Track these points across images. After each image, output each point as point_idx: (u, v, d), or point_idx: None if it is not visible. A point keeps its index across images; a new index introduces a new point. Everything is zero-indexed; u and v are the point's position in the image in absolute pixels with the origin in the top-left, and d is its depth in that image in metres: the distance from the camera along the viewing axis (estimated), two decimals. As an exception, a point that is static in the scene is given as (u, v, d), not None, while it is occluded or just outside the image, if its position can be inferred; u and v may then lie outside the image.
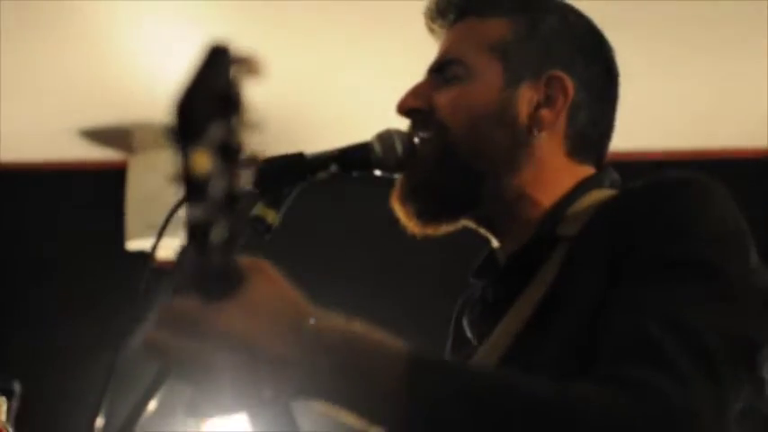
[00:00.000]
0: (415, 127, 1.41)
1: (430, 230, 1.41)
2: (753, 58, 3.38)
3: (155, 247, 1.43)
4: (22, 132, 3.95)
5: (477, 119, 1.38)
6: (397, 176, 1.42)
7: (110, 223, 4.06)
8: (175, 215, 1.37)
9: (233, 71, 0.86)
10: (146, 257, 1.44)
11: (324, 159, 1.38)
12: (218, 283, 0.91)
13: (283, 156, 1.38)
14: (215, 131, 0.84)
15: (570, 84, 1.39)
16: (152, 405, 1.43)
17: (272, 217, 1.33)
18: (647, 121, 3.56)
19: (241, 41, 0.88)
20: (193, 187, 0.84)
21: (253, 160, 0.87)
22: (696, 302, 1.12)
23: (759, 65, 3.41)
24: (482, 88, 1.39)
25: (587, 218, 1.30)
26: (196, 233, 0.86)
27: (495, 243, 1.43)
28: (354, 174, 1.40)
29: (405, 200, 1.40)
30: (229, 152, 0.85)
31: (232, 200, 0.86)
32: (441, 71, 1.43)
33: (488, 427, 0.99)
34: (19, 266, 4.20)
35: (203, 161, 0.83)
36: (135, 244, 3.93)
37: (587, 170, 1.42)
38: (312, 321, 0.95)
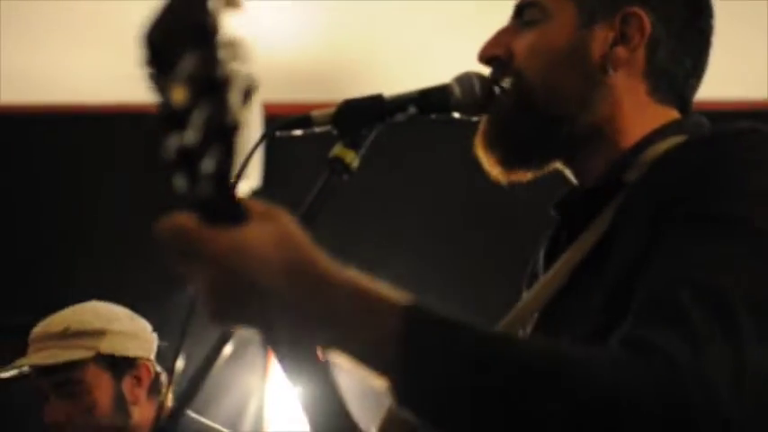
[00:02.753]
0: (494, 75, 1.40)
1: (515, 177, 1.41)
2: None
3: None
4: (94, 76, 3.99)
5: (550, 62, 1.37)
6: (476, 119, 1.41)
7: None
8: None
9: (209, 2, 0.85)
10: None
11: (402, 101, 1.37)
12: (215, 213, 0.93)
13: (362, 97, 1.38)
14: (190, 61, 0.84)
15: (647, 19, 1.36)
16: (227, 350, 1.44)
17: (351, 157, 1.33)
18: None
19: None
20: (171, 117, 0.85)
21: (246, 90, 0.88)
22: (728, 263, 1.09)
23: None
24: (556, 30, 1.37)
25: (650, 164, 1.28)
26: (181, 162, 0.88)
27: (575, 181, 1.42)
28: (433, 116, 1.40)
29: (488, 147, 1.39)
30: (212, 82, 0.84)
31: (220, 128, 0.86)
32: (520, 15, 1.42)
33: (483, 388, 1.00)
34: (83, 201, 4.26)
35: (179, 92, 0.83)
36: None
37: (671, 113, 1.39)
38: (310, 266, 0.96)
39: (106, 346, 2.35)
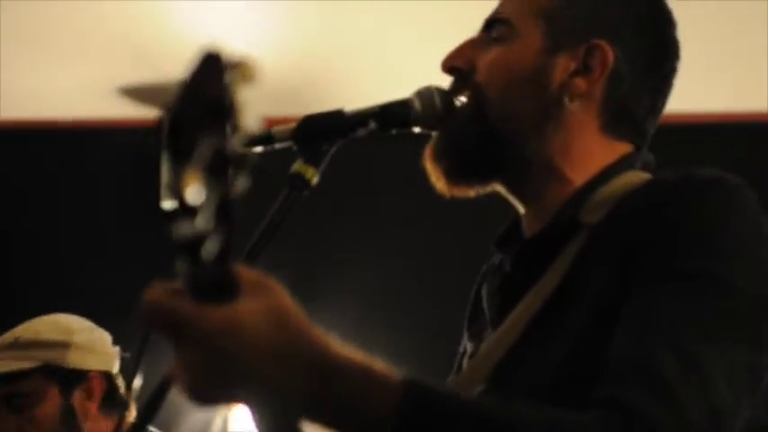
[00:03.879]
0: (454, 86, 1.40)
1: (457, 191, 1.40)
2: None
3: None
4: (63, 91, 3.97)
5: (510, 82, 1.36)
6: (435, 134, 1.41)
7: (148, 182, 4.07)
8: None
9: (226, 78, 0.83)
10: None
11: (363, 116, 1.37)
12: (211, 291, 0.89)
13: (322, 113, 1.38)
14: (207, 145, 0.82)
15: (611, 53, 1.35)
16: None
17: (311, 173, 1.33)
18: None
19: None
20: (183, 206, 0.83)
21: (247, 164, 0.85)
22: (704, 324, 1.10)
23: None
24: (521, 52, 1.36)
25: (610, 206, 1.26)
26: (187, 249, 0.85)
27: (522, 211, 1.41)
28: (393, 131, 1.40)
29: (435, 159, 1.38)
30: (222, 162, 0.82)
31: (225, 210, 0.84)
32: (489, 29, 1.41)
33: None
34: (58, 223, 4.24)
35: (193, 180, 0.81)
36: (170, 204, 3.95)
37: (624, 148, 1.37)
38: (304, 345, 0.94)
39: (54, 358, 2.29)
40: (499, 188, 1.41)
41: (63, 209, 4.27)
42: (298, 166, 1.33)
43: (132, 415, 2.13)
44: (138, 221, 4.24)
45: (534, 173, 1.36)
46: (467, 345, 1.47)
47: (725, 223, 1.17)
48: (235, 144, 0.83)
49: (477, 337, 1.44)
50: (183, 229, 0.84)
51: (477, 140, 1.37)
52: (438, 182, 1.39)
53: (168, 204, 0.83)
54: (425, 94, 1.39)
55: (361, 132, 1.37)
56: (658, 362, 1.06)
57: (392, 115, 1.38)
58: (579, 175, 1.34)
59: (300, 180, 1.32)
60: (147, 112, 4.12)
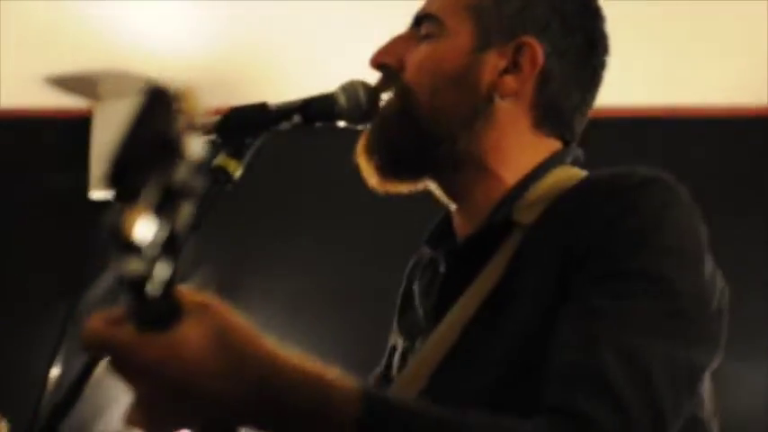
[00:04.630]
0: (382, 83, 1.40)
1: (389, 187, 1.40)
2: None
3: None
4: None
5: (439, 81, 1.35)
6: (361, 128, 1.41)
7: (74, 172, 4.03)
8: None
9: (171, 114, 0.83)
10: (108, 207, 1.43)
11: (287, 110, 1.36)
12: (153, 320, 0.88)
13: (246, 106, 1.37)
14: (153, 185, 0.81)
15: (540, 51, 1.35)
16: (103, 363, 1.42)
17: (234, 167, 1.32)
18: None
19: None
20: (126, 246, 0.82)
21: (193, 195, 0.84)
22: (645, 324, 1.11)
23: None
24: (450, 49, 1.36)
25: (544, 205, 1.27)
26: (132, 286, 0.84)
27: (453, 208, 1.41)
28: (318, 125, 1.39)
29: (366, 154, 1.39)
30: (169, 197, 0.82)
31: (171, 244, 0.83)
32: (418, 25, 1.40)
33: None
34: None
35: (139, 218, 0.81)
36: (99, 194, 3.92)
37: (554, 144, 1.38)
38: (252, 361, 0.93)
39: None
40: (431, 185, 1.41)
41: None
42: (221, 159, 1.32)
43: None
44: (65, 210, 4.21)
45: (465, 171, 1.36)
46: (397, 340, 1.47)
47: (662, 222, 1.18)
48: (181, 177, 0.82)
49: (408, 334, 1.44)
50: (129, 267, 0.82)
51: (406, 138, 1.36)
52: (370, 178, 1.39)
53: (112, 242, 0.82)
54: (350, 88, 1.39)
55: (285, 126, 1.36)
56: (602, 365, 1.07)
57: (316, 109, 1.38)
58: (511, 173, 1.35)
59: (223, 174, 1.31)
60: (74, 102, 4.07)
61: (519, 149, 1.36)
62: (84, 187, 3.96)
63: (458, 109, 1.35)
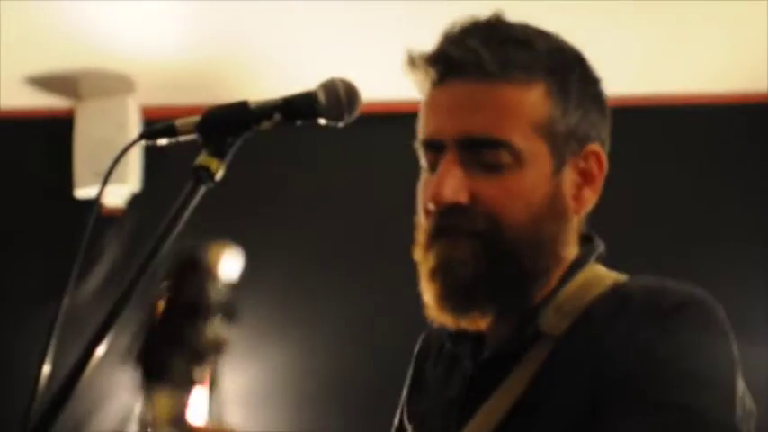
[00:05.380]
0: (455, 218, 1.28)
1: (463, 323, 1.32)
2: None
3: (100, 195, 1.43)
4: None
5: (533, 213, 1.27)
6: (342, 124, 1.41)
7: (58, 172, 4.03)
8: (122, 162, 1.38)
9: (202, 281, 0.86)
10: (92, 204, 1.44)
11: (268, 109, 1.37)
12: None
13: (227, 105, 1.37)
14: (180, 364, 0.85)
15: (604, 155, 1.32)
16: (99, 351, 1.44)
17: (216, 166, 1.33)
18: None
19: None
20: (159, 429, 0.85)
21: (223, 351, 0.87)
22: None
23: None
24: (535, 178, 1.27)
25: (573, 315, 1.24)
26: None
27: None
28: (299, 123, 1.40)
29: (444, 299, 1.30)
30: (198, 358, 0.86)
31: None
32: (476, 150, 1.28)
33: None
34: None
35: (166, 402, 0.85)
36: (83, 192, 3.92)
37: (577, 237, 1.34)
38: None
39: None
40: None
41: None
42: (202, 158, 1.33)
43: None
44: (49, 210, 4.20)
45: (536, 287, 1.31)
46: (406, 424, 1.45)
47: (697, 351, 1.17)
48: (211, 341, 0.85)
49: (419, 423, 1.42)
50: None
51: (508, 278, 1.28)
52: (443, 316, 1.31)
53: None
54: (330, 86, 1.39)
55: (266, 125, 1.37)
56: None
57: (297, 107, 1.38)
58: (556, 276, 1.31)
59: (205, 173, 1.32)
60: (55, 102, 4.07)
61: (570, 251, 1.33)
62: (68, 186, 3.96)
63: (555, 236, 1.30)
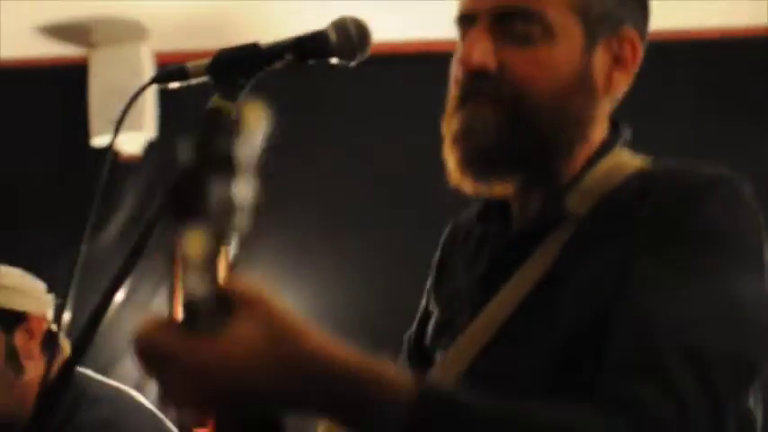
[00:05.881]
0: (480, 87, 1.28)
1: (483, 190, 1.32)
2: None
3: (113, 142, 1.43)
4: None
5: (559, 86, 1.27)
6: (354, 63, 1.40)
7: (73, 120, 4.04)
8: (134, 107, 1.37)
9: (230, 135, 0.85)
10: (107, 152, 1.44)
11: (279, 49, 1.36)
12: (196, 315, 0.89)
13: (238, 47, 1.37)
14: (212, 206, 0.84)
15: (638, 40, 1.32)
16: (119, 297, 1.44)
17: (229, 108, 1.32)
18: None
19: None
20: (189, 271, 0.85)
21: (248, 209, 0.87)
22: (706, 319, 1.11)
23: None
24: (565, 53, 1.28)
25: (598, 197, 1.26)
26: (192, 310, 0.88)
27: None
28: (310, 62, 1.39)
29: (476, 170, 1.30)
30: (225, 214, 0.85)
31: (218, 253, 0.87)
32: (509, 21, 1.28)
33: None
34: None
35: (197, 243, 0.84)
36: (99, 140, 3.92)
37: (607, 123, 1.35)
38: (306, 356, 0.93)
39: None
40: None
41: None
42: (215, 101, 1.33)
43: (67, 352, 2.14)
44: (66, 159, 4.21)
45: (559, 162, 1.32)
46: (433, 306, 1.46)
47: (727, 225, 1.18)
48: (238, 196, 0.86)
49: (447, 305, 1.43)
50: (189, 285, 0.86)
51: (529, 149, 1.29)
52: (466, 182, 1.31)
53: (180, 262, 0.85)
54: (341, 24, 1.39)
55: (278, 65, 1.37)
56: (659, 356, 1.07)
57: (308, 47, 1.37)
58: (583, 156, 1.32)
59: (218, 115, 1.31)
60: (67, 51, 4.06)
61: (601, 133, 1.34)
62: (84, 135, 3.96)
63: (579, 113, 1.30)
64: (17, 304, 2.33)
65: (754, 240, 1.19)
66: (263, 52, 1.36)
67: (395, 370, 0.98)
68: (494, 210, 1.38)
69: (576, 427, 1.05)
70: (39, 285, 2.41)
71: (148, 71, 3.88)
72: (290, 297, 3.87)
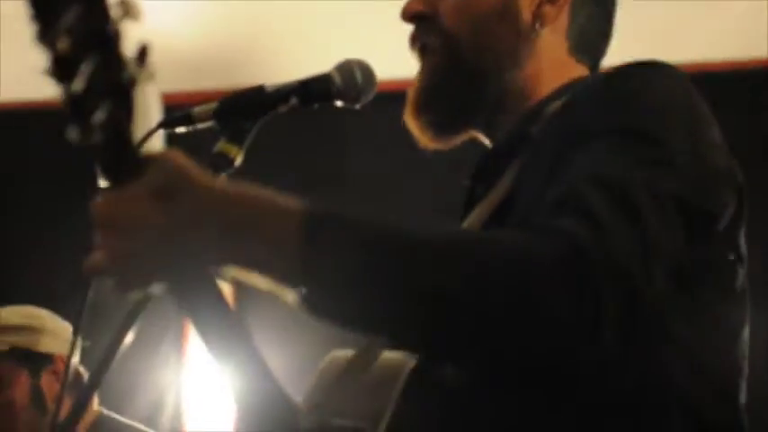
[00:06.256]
0: (419, 33, 1.39)
1: (443, 142, 1.40)
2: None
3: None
4: (14, 73, 3.92)
5: (480, 21, 1.36)
6: (358, 107, 1.42)
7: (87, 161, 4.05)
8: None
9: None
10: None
11: (284, 92, 1.37)
12: (112, 172, 0.95)
13: (243, 90, 1.38)
14: (74, 13, 0.87)
15: None
16: (129, 337, 1.45)
17: (235, 152, 1.33)
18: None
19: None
20: (59, 68, 0.89)
21: (140, 50, 0.92)
22: (627, 161, 1.09)
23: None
24: None
25: (553, 114, 1.28)
26: (73, 111, 0.91)
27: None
28: (315, 106, 1.40)
29: (418, 111, 1.38)
30: (99, 34, 0.89)
31: (111, 83, 0.90)
32: None
33: (387, 272, 0.98)
34: (8, 204, 4.22)
35: (63, 41, 0.87)
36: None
37: (582, 70, 1.40)
38: (203, 186, 0.97)
39: (21, 341, 2.33)
40: (476, 132, 1.41)
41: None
42: (221, 145, 1.33)
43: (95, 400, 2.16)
44: (75, 199, 4.21)
45: (512, 101, 1.37)
46: None
47: (649, 89, 1.18)
48: (111, 19, 0.90)
49: None
50: (68, 89, 0.90)
51: (455, 82, 1.36)
52: (422, 135, 1.38)
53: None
54: (345, 67, 1.40)
55: (283, 108, 1.38)
56: (582, 194, 1.05)
57: (313, 90, 1.39)
58: (539, 88, 1.37)
59: (224, 160, 1.32)
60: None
61: (556, 76, 1.37)
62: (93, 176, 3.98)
63: (502, 43, 1.37)
64: (44, 346, 2.35)
65: (679, 99, 1.19)
66: (267, 96, 1.37)
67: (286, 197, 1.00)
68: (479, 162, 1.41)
69: (488, 240, 1.03)
70: (66, 327, 2.42)
71: (156, 112, 3.89)
72: (296, 338, 3.88)
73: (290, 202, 0.98)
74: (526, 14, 1.37)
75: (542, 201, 1.09)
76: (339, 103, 1.41)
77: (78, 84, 0.89)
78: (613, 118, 1.15)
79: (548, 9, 1.38)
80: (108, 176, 0.95)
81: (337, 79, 1.39)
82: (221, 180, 0.99)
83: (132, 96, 0.92)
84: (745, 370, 1.21)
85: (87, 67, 0.89)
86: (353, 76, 1.39)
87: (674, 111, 1.17)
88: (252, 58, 3.78)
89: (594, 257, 0.98)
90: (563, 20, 1.39)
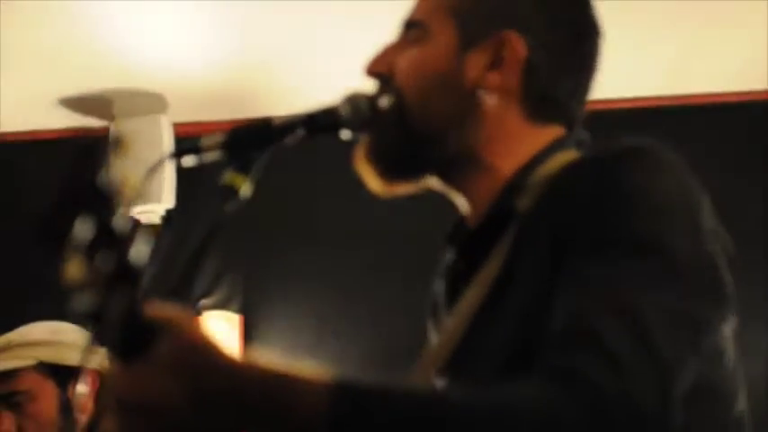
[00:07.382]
0: (377, 91, 1.43)
1: (391, 190, 1.44)
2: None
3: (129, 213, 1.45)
4: (3, 103, 3.95)
5: (425, 83, 1.39)
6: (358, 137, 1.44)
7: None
8: (154, 180, 1.40)
9: (100, 162, 0.93)
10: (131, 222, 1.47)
11: (291, 124, 1.38)
12: (124, 347, 0.95)
13: (250, 122, 1.39)
14: (84, 231, 0.90)
15: (521, 44, 1.38)
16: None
17: (242, 183, 1.34)
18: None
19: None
20: (74, 292, 0.91)
21: (143, 228, 0.93)
22: (636, 282, 1.11)
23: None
24: (434, 51, 1.40)
25: (541, 190, 1.29)
26: (94, 323, 0.93)
27: (464, 205, 1.43)
28: (321, 136, 1.42)
29: (366, 161, 1.43)
30: (110, 235, 0.91)
31: (123, 273, 0.92)
32: (406, 30, 1.44)
33: None
34: (14, 233, 4.22)
35: (75, 268, 0.90)
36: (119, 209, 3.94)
37: (555, 131, 1.40)
38: (224, 367, 0.97)
39: (48, 355, 2.35)
40: (434, 183, 1.44)
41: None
42: (229, 177, 1.34)
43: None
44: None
45: (462, 167, 1.39)
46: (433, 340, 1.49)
47: (647, 187, 1.18)
48: (118, 218, 0.93)
49: (437, 330, 1.47)
50: (84, 305, 0.93)
51: (400, 141, 1.40)
52: (371, 183, 1.42)
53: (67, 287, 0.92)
54: (352, 99, 1.41)
55: (290, 140, 1.39)
56: (595, 326, 1.07)
57: (320, 121, 1.40)
58: (509, 164, 1.37)
59: (231, 191, 1.33)
60: (88, 122, 4.10)
61: (515, 140, 1.38)
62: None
63: (445, 108, 1.38)
64: (72, 359, 2.37)
65: (679, 194, 1.19)
66: (275, 127, 1.38)
67: (309, 372, 1.01)
68: (458, 229, 1.44)
69: (513, 405, 1.05)
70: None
71: (168, 142, 3.92)
72: (311, 363, 3.86)
73: (313, 379, 1.00)
74: (470, 81, 1.38)
75: (549, 313, 1.12)
76: (345, 134, 1.42)
77: (92, 300, 0.93)
78: (616, 226, 1.16)
79: (492, 76, 1.38)
80: (120, 353, 0.95)
81: (344, 110, 1.40)
82: (238, 357, 0.99)
83: (138, 279, 0.94)
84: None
85: (103, 271, 0.92)
86: (359, 108, 1.41)
87: (674, 211, 1.18)
88: (263, 90, 3.81)
89: (619, 406, 1.03)
90: (512, 86, 1.39)
